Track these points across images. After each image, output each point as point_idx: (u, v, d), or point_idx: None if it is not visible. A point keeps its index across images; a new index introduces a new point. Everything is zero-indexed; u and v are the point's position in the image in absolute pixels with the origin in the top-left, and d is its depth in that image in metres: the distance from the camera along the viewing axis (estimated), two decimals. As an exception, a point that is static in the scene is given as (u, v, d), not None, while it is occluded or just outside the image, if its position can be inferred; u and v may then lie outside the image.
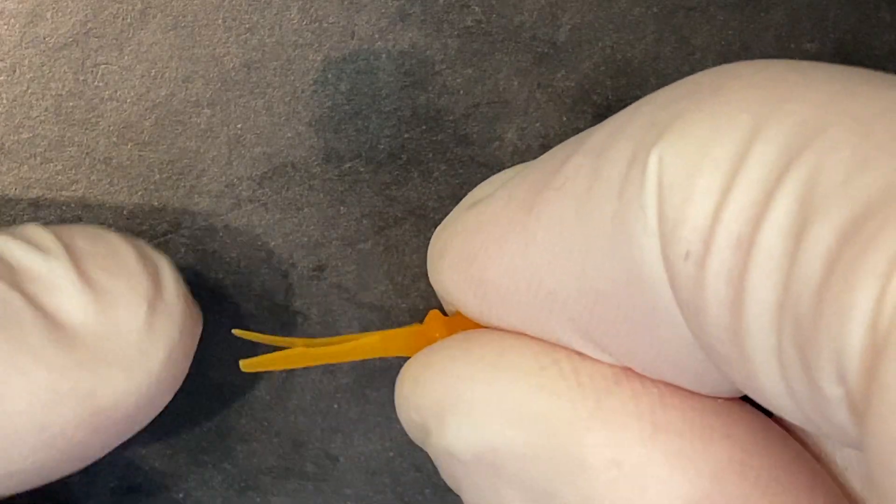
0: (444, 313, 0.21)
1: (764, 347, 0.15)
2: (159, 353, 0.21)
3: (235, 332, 0.21)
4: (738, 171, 0.15)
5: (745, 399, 0.19)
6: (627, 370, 0.18)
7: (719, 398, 0.18)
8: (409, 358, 0.20)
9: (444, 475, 0.20)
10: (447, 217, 0.21)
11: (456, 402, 0.19)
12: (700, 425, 0.18)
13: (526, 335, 0.19)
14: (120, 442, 0.21)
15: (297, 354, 0.21)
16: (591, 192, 0.17)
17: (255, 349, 0.22)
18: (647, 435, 0.17)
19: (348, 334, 0.22)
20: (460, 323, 0.20)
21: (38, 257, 0.21)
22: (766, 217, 0.15)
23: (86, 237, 0.22)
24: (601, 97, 0.25)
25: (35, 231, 0.21)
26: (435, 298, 0.21)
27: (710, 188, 0.16)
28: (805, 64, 0.17)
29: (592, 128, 0.18)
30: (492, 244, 0.19)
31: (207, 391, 0.25)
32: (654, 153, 0.16)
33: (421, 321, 0.21)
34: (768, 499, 0.17)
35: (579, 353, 0.18)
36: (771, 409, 0.16)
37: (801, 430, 0.19)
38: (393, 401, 0.20)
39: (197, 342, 0.22)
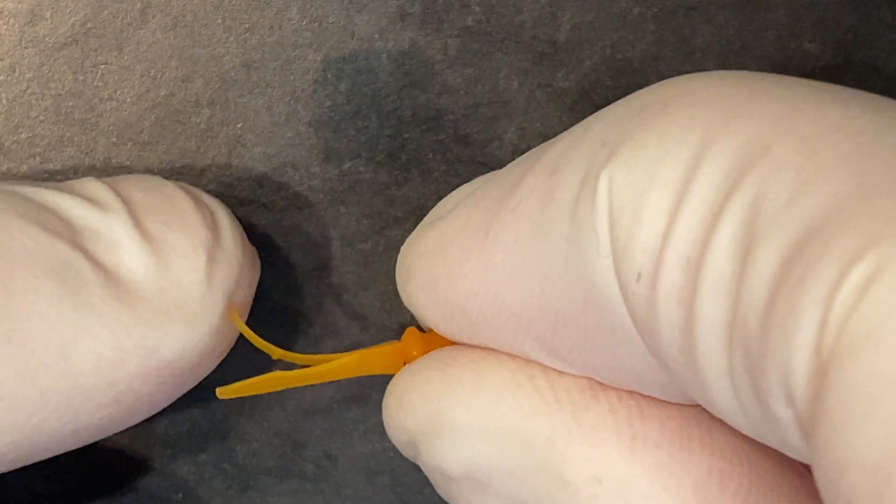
0: (422, 329, 0.21)
1: (716, 368, 0.15)
2: (219, 304, 0.21)
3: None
4: (686, 193, 0.15)
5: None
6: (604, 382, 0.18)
7: (699, 407, 0.18)
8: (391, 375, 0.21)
9: (437, 489, 0.20)
10: (412, 234, 0.21)
11: (439, 424, 0.19)
12: (679, 436, 0.18)
13: (500, 352, 0.19)
14: (184, 392, 0.22)
15: (274, 378, 0.21)
16: (545, 214, 0.17)
17: (256, 359, 0.22)
18: (626, 448, 0.18)
19: (329, 354, 0.22)
20: (437, 340, 0.20)
21: (98, 214, 0.21)
22: (712, 239, 0.15)
23: (143, 189, 0.22)
24: (601, 97, 0.25)
25: (93, 185, 0.21)
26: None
27: (659, 209, 0.16)
28: (753, 77, 0.17)
29: (547, 142, 0.18)
30: (453, 267, 0.19)
31: (207, 391, 0.25)
32: (605, 174, 0.16)
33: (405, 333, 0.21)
34: None
35: (556, 369, 0.18)
36: (729, 423, 0.16)
37: None
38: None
39: (255, 287, 0.22)
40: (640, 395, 0.18)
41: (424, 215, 0.22)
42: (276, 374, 0.21)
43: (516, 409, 0.18)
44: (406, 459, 0.21)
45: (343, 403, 0.25)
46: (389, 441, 0.21)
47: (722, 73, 0.17)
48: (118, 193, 0.21)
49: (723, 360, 0.15)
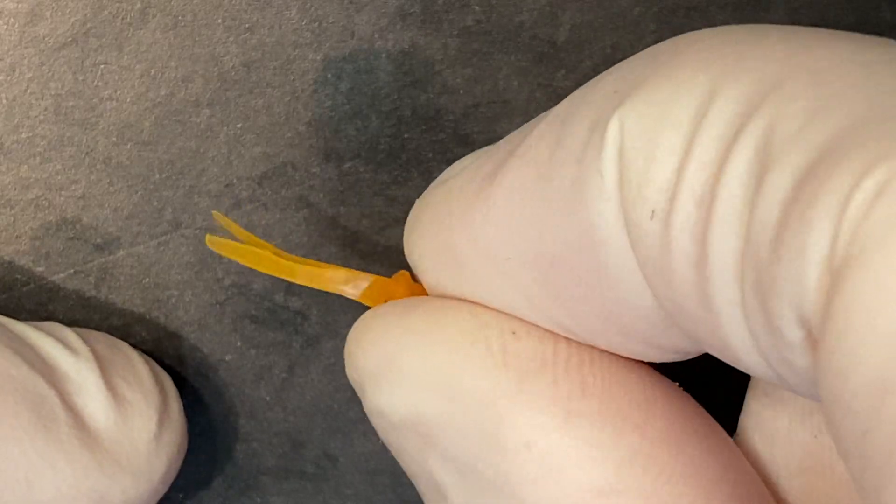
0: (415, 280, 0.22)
1: (729, 300, 0.15)
2: (162, 465, 0.23)
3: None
4: (699, 129, 0.16)
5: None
6: (557, 353, 0.19)
7: (651, 386, 0.19)
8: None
9: (380, 435, 0.20)
10: (422, 194, 0.21)
11: (389, 367, 0.19)
12: (615, 415, 0.18)
13: (469, 308, 0.19)
14: None
15: (262, 256, 0.22)
16: (553, 159, 0.18)
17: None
18: (560, 421, 0.18)
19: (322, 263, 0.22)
20: (422, 291, 0.21)
21: (70, 357, 0.22)
22: (725, 170, 0.15)
23: (105, 344, 0.23)
24: (601, 97, 0.25)
25: (65, 330, 0.23)
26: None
27: (673, 147, 0.16)
28: (761, 26, 0.17)
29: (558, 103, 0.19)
30: (456, 213, 0.19)
31: (207, 391, 0.25)
32: (615, 119, 0.16)
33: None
34: (668, 491, 0.18)
35: (513, 333, 0.19)
36: (737, 365, 0.16)
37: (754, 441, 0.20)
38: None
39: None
40: (591, 371, 0.18)
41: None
42: (267, 254, 0.21)
43: (465, 364, 0.19)
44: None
45: (343, 403, 0.25)
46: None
47: (730, 26, 0.18)
48: (86, 342, 0.23)
49: (735, 290, 0.15)
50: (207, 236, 0.22)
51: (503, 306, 0.19)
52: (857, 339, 0.13)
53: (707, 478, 0.18)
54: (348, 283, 0.21)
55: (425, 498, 0.20)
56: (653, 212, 0.16)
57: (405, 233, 0.21)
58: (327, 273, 0.21)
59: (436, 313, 0.19)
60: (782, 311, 0.14)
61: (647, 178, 0.16)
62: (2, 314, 0.23)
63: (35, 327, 0.23)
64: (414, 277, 0.21)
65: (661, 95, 0.16)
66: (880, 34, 0.25)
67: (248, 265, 0.22)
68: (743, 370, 0.17)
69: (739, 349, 0.16)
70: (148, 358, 0.24)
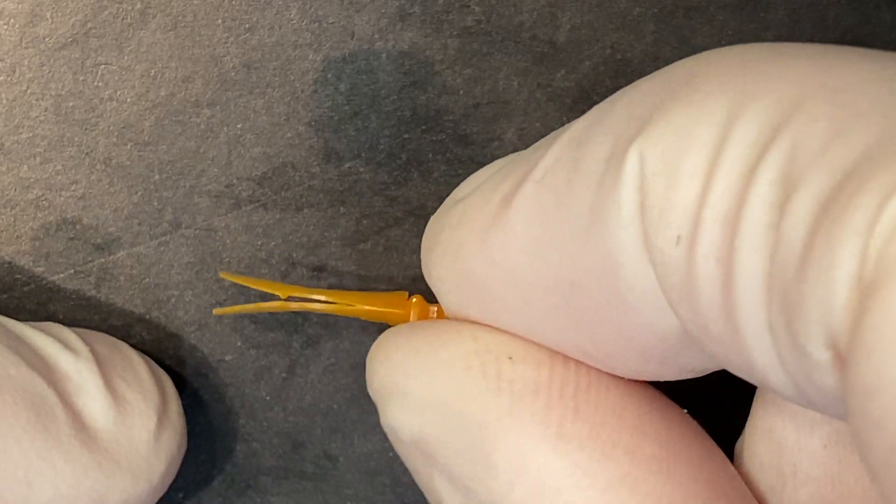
0: (430, 303, 0.22)
1: (755, 321, 0.15)
2: (161, 466, 0.23)
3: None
4: (721, 153, 0.16)
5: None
6: (552, 379, 0.19)
7: (648, 410, 0.19)
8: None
9: (395, 449, 0.21)
10: (437, 211, 0.21)
11: (395, 387, 0.20)
12: (604, 441, 0.18)
13: (471, 332, 0.20)
14: None
15: (272, 306, 0.23)
16: (571, 185, 0.18)
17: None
18: (549, 445, 0.18)
19: (337, 293, 0.23)
20: (437, 314, 0.22)
21: (70, 357, 0.22)
22: (750, 192, 0.15)
23: (105, 344, 0.23)
24: (601, 97, 0.25)
25: (64, 330, 0.23)
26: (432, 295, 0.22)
27: (695, 171, 0.16)
28: (778, 45, 0.17)
29: (572, 122, 0.19)
30: (475, 236, 0.19)
31: (207, 391, 0.25)
32: (634, 148, 0.16)
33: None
34: None
35: (510, 358, 0.19)
36: (762, 385, 0.16)
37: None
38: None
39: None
40: (586, 397, 0.19)
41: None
42: (279, 304, 0.23)
43: (459, 388, 0.19)
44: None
45: (343, 403, 0.25)
46: (389, 441, 0.21)
47: (744, 44, 0.18)
48: (86, 343, 0.23)
49: (762, 312, 0.15)
50: (215, 310, 0.23)
51: (523, 331, 0.19)
52: (886, 356, 0.13)
53: (697, 502, 0.18)
54: (368, 314, 0.23)
55: None
56: (678, 237, 0.16)
57: (423, 252, 0.21)
58: (342, 308, 0.23)
59: (440, 336, 0.20)
60: (809, 331, 0.14)
61: (671, 203, 0.16)
62: (2, 314, 0.23)
63: (35, 327, 0.23)
64: (428, 298, 0.22)
65: (680, 120, 0.16)
66: (880, 34, 0.25)
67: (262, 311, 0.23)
68: (769, 390, 0.16)
69: (766, 370, 0.16)
70: (147, 358, 0.24)
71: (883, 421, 0.13)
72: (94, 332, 0.24)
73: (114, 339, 0.24)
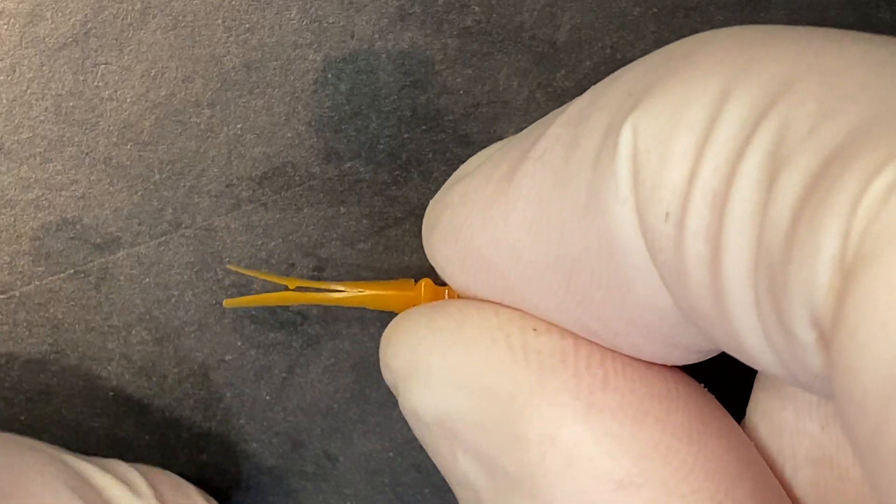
0: (437, 283, 0.22)
1: (742, 301, 0.15)
2: None
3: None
4: (711, 132, 0.16)
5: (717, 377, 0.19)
6: (578, 349, 0.19)
7: (673, 382, 0.19)
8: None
9: (417, 437, 0.21)
10: (438, 192, 0.21)
11: (417, 368, 0.20)
12: (636, 409, 0.18)
13: (493, 308, 0.20)
14: None
15: (281, 296, 0.23)
16: (569, 162, 0.18)
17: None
18: (580, 414, 0.18)
19: (344, 284, 0.23)
20: (447, 295, 0.22)
21: (134, 500, 0.22)
22: (738, 172, 0.15)
23: (170, 486, 0.23)
24: (601, 97, 0.25)
25: (128, 470, 0.23)
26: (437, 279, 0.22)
27: (686, 150, 0.16)
28: (773, 27, 0.17)
29: (571, 101, 0.19)
30: (476, 216, 0.19)
31: (207, 391, 0.25)
32: (629, 123, 0.17)
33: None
34: (688, 484, 0.18)
35: (534, 329, 0.19)
36: (752, 364, 0.17)
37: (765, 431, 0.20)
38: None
39: None
40: (613, 366, 0.19)
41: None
42: (287, 293, 0.22)
43: (486, 362, 0.19)
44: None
45: (343, 403, 0.25)
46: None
47: (743, 26, 0.18)
48: (150, 484, 0.23)
49: (748, 292, 0.15)
50: (225, 301, 0.23)
51: (531, 308, 0.19)
52: (868, 338, 0.13)
53: (728, 473, 0.18)
54: (376, 301, 0.22)
55: (460, 498, 0.20)
56: (667, 214, 0.16)
57: (424, 233, 0.21)
58: (352, 297, 0.22)
59: (460, 313, 0.20)
60: (795, 311, 0.14)
61: (661, 180, 0.16)
62: (74, 453, 0.23)
63: (99, 466, 0.23)
64: (436, 281, 0.22)
65: (674, 98, 0.16)
66: (880, 34, 0.25)
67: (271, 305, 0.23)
68: (758, 369, 0.17)
69: (754, 349, 0.16)
70: (211, 499, 0.24)
71: (865, 403, 0.13)
72: (159, 471, 0.24)
73: (179, 479, 0.24)
